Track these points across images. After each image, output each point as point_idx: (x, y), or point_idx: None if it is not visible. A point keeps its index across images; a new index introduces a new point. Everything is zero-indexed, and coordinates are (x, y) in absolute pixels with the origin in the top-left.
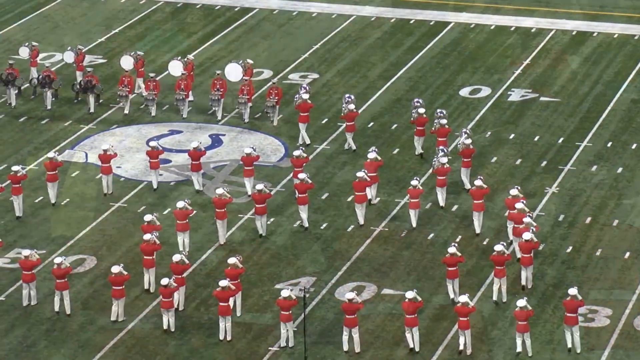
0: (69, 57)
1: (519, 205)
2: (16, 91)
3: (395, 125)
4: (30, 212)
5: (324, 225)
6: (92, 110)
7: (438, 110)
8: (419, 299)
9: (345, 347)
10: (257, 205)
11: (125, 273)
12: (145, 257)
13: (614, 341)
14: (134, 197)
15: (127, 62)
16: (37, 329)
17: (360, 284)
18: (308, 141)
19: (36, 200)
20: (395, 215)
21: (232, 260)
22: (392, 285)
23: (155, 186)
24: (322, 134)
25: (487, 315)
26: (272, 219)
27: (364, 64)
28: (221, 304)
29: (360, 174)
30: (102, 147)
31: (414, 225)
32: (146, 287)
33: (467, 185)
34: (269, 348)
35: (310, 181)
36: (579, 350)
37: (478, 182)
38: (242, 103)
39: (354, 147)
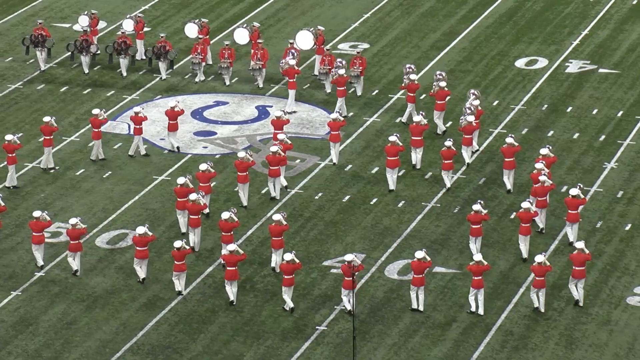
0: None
1: (538, 165)
2: (44, 53)
3: (448, 98)
4: (70, 184)
5: (374, 200)
6: (163, 77)
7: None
8: (428, 258)
9: (414, 305)
10: (271, 167)
11: (150, 234)
12: (191, 216)
13: None
14: (178, 170)
15: (191, 30)
16: (77, 306)
17: (411, 261)
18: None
19: (77, 173)
20: (446, 193)
21: (226, 214)
22: (444, 263)
23: (141, 152)
24: (373, 107)
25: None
26: (319, 194)
27: (416, 33)
28: (228, 268)
29: (392, 138)
30: (93, 111)
31: (448, 186)
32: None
33: (468, 160)
34: (316, 327)
35: (289, 142)
36: (581, 303)
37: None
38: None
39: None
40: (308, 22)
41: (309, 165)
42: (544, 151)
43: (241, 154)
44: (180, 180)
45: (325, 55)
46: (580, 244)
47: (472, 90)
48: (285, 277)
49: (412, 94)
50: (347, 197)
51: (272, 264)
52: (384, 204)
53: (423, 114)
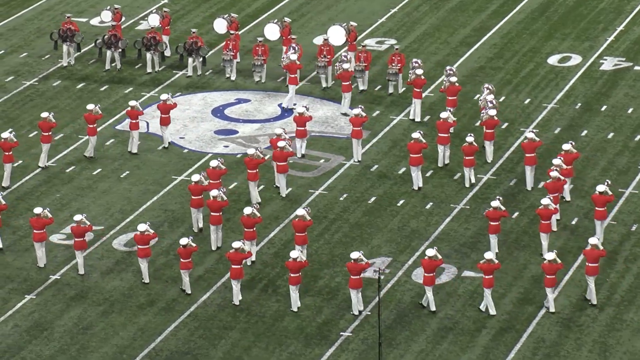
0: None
1: (556, 161)
2: (73, 48)
3: (477, 96)
4: (86, 185)
5: (401, 201)
6: (199, 73)
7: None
8: (439, 257)
9: (433, 308)
10: (278, 164)
11: (152, 232)
12: (212, 213)
13: None
14: (198, 170)
15: (220, 25)
16: (93, 310)
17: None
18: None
19: (93, 173)
20: (476, 194)
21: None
22: (473, 267)
23: (134, 150)
24: (400, 105)
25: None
26: (344, 195)
27: (445, 29)
28: (233, 266)
29: (415, 135)
30: (88, 106)
31: (473, 181)
32: (213, 247)
33: (490, 156)
34: (341, 333)
35: (291, 149)
36: (594, 302)
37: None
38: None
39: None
40: (333, 16)
41: (333, 165)
42: (566, 146)
43: (251, 151)
44: (195, 177)
45: (361, 51)
46: (594, 240)
47: (486, 85)
48: (292, 275)
49: (419, 90)
50: (373, 198)
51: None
52: (411, 206)
53: (451, 110)
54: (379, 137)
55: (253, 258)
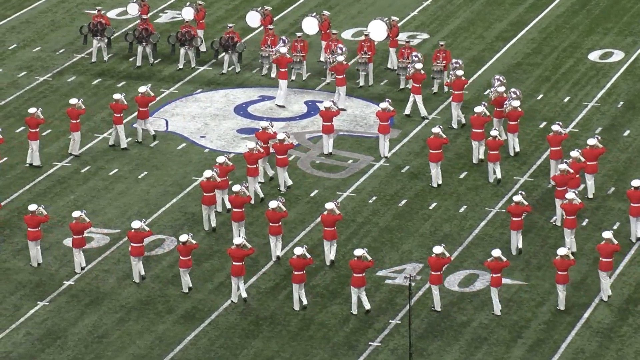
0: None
1: (574, 154)
2: (105, 43)
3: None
4: (103, 186)
5: (433, 204)
6: (238, 69)
7: (454, 60)
8: (447, 254)
9: (438, 308)
10: (278, 157)
11: (147, 229)
12: (234, 209)
13: None
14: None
15: (253, 19)
16: (109, 318)
17: (473, 272)
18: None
19: (110, 173)
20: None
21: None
22: (509, 274)
23: (121, 145)
24: (432, 103)
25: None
26: (373, 197)
27: (480, 23)
28: (235, 263)
29: (435, 129)
30: (70, 100)
31: (499, 176)
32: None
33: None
34: (370, 343)
35: (290, 141)
36: (605, 298)
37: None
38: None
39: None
40: (362, 10)
41: (362, 166)
42: (591, 141)
43: (251, 145)
44: (207, 173)
45: (404, 47)
46: (608, 234)
47: (496, 76)
48: (295, 273)
49: (418, 85)
50: (403, 201)
51: (327, 260)
52: (444, 209)
53: (485, 104)
54: (410, 137)
55: (279, 252)
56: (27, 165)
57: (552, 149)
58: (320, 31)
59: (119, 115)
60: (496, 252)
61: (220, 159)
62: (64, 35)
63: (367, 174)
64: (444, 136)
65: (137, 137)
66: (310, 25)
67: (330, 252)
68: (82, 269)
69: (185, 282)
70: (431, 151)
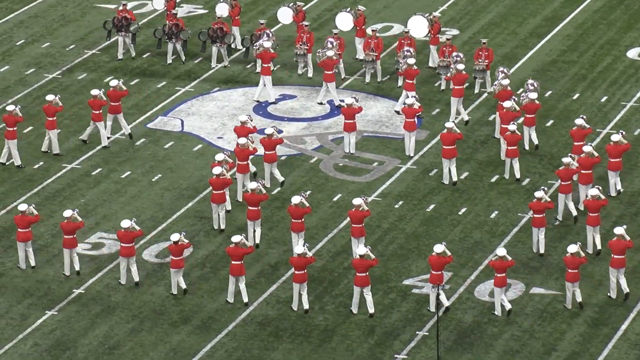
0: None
1: (586, 148)
2: (129, 39)
3: (549, 92)
4: (114, 189)
5: (463, 210)
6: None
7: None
8: (449, 253)
9: (433, 309)
10: (266, 152)
11: (138, 229)
12: (250, 207)
13: None
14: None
15: (285, 15)
16: (121, 328)
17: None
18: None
19: (122, 176)
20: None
21: (296, 199)
22: (542, 282)
23: (104, 143)
24: (463, 103)
25: None
26: (400, 202)
27: (513, 18)
28: (234, 262)
29: (449, 124)
30: (47, 97)
31: (518, 176)
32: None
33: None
34: (395, 356)
35: (279, 136)
36: (613, 296)
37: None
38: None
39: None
40: (389, 4)
41: (388, 168)
42: (615, 137)
43: (242, 141)
44: (217, 170)
45: (445, 45)
46: (620, 230)
47: (500, 68)
48: (296, 272)
49: (411, 81)
50: (431, 206)
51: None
52: (474, 215)
53: (515, 99)
54: (439, 138)
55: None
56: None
57: (576, 144)
58: (355, 27)
59: (97, 112)
60: (501, 251)
61: (219, 157)
62: (74, 30)
63: (393, 177)
64: (458, 131)
65: (107, 133)
66: (344, 21)
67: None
68: (78, 273)
69: (176, 283)
70: (444, 147)
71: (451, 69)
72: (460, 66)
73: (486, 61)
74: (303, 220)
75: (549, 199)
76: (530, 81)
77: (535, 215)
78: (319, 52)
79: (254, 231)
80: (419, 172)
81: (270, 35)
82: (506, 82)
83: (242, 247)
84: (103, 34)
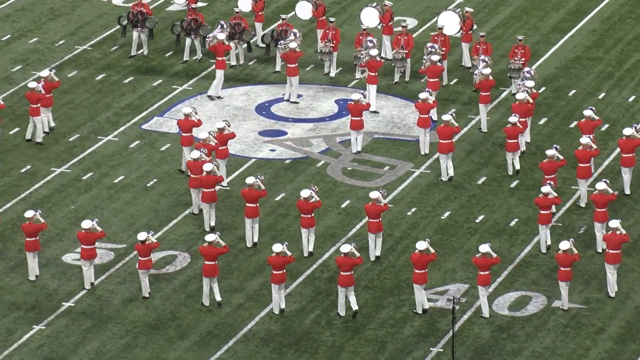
0: None
1: (584, 140)
2: (145, 35)
3: (573, 92)
4: (107, 195)
5: (480, 217)
6: (278, 69)
7: (525, 70)
8: (432, 250)
9: (420, 311)
10: (219, 147)
11: (100, 230)
12: (248, 204)
13: None
14: (239, 178)
15: (304, 9)
16: (114, 344)
17: (525, 293)
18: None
19: (115, 181)
20: (570, 209)
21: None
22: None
23: (36, 139)
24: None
25: None
26: (413, 209)
27: (534, 11)
28: (207, 262)
29: (446, 117)
30: (29, 84)
31: (518, 167)
32: (249, 244)
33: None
34: None
35: (231, 130)
36: (612, 294)
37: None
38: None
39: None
40: None
41: (399, 173)
42: (628, 131)
43: (203, 135)
44: (207, 167)
45: (480, 42)
46: (615, 223)
47: (482, 57)
48: (274, 272)
49: (374, 74)
50: (446, 214)
51: (371, 256)
52: (492, 223)
53: (528, 90)
54: (454, 140)
55: (311, 248)
56: None
57: (624, 155)
58: (381, 24)
59: (35, 106)
60: (484, 248)
61: (195, 154)
62: (64, 24)
63: (405, 183)
64: (456, 124)
65: (44, 128)
66: (370, 17)
67: (375, 246)
68: (92, 285)
69: (146, 286)
70: (441, 141)
71: (475, 76)
72: (487, 70)
73: (522, 59)
74: (313, 215)
75: (555, 194)
76: (526, 69)
77: (541, 212)
78: (280, 43)
79: (252, 230)
80: (433, 177)
81: (297, 35)
82: (487, 71)
83: (216, 247)
84: (95, 28)
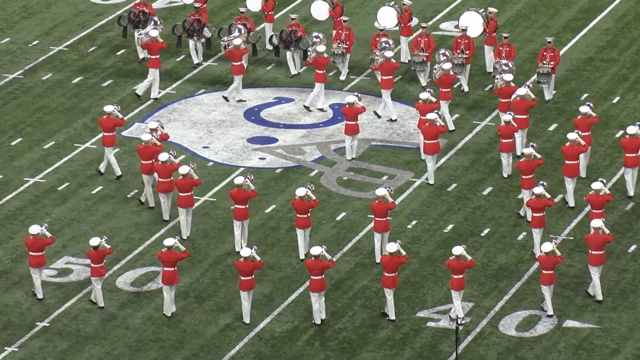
0: None
1: (571, 136)
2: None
3: (585, 95)
4: (84, 206)
5: (486, 230)
6: (297, 71)
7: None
8: (403, 252)
9: (393, 317)
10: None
11: (49, 235)
12: (237, 205)
13: None
14: (225, 189)
15: (320, 10)
16: None
17: (534, 312)
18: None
19: (93, 192)
20: (582, 222)
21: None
22: (577, 315)
23: None
24: (485, 106)
25: None
26: (413, 222)
27: (544, 9)
28: (166, 269)
29: (432, 116)
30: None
31: (509, 172)
32: (237, 248)
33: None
34: None
35: (164, 131)
36: (599, 298)
37: None
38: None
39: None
40: None
41: (399, 183)
42: (631, 130)
43: (146, 137)
44: (183, 169)
45: (503, 45)
46: (597, 222)
47: (442, 50)
48: (242, 278)
49: (388, 77)
50: (449, 227)
51: (377, 258)
52: (499, 236)
53: (530, 85)
54: (458, 148)
55: (305, 250)
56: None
57: (627, 155)
58: (400, 24)
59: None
60: (457, 250)
61: (163, 157)
62: (38, 23)
63: (405, 193)
64: (442, 124)
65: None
66: (387, 17)
67: (381, 247)
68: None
69: (101, 296)
70: (425, 142)
71: (497, 81)
72: (508, 77)
73: (552, 63)
74: (309, 215)
75: (548, 196)
76: (503, 62)
77: (534, 214)
78: (223, 39)
79: (242, 233)
80: (435, 188)
81: (322, 38)
82: (448, 66)
83: (175, 252)
84: (71, 27)
